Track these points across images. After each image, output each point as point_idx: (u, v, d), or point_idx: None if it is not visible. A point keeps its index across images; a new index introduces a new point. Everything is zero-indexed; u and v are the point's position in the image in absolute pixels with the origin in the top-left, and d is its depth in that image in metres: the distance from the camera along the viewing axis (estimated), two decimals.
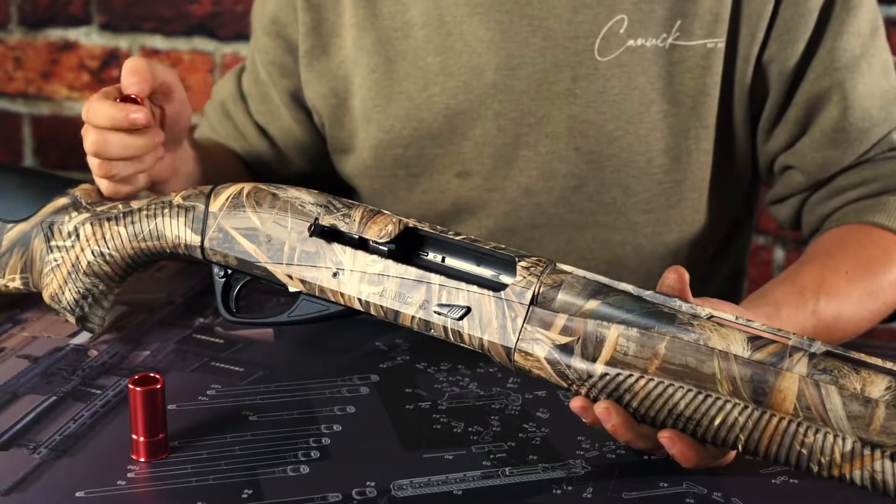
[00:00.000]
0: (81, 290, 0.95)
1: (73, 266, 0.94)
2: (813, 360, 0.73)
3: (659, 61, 1.05)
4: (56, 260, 0.95)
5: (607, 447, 0.84)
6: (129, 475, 0.80)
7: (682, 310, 0.77)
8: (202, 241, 0.90)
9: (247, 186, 0.91)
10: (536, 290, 0.80)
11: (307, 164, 1.22)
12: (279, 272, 0.88)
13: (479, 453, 0.84)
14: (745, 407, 0.74)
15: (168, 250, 0.92)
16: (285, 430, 0.86)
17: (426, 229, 0.86)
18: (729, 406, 0.75)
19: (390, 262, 0.84)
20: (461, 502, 0.78)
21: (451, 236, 0.86)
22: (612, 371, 0.77)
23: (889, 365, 0.73)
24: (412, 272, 0.84)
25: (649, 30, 1.04)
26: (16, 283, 0.97)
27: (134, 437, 0.81)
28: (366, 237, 0.86)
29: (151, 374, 0.82)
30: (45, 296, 0.96)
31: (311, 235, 0.87)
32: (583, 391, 0.79)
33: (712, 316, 0.76)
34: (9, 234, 0.97)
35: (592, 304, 0.78)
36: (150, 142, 0.95)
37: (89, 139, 0.94)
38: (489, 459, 0.83)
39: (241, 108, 1.22)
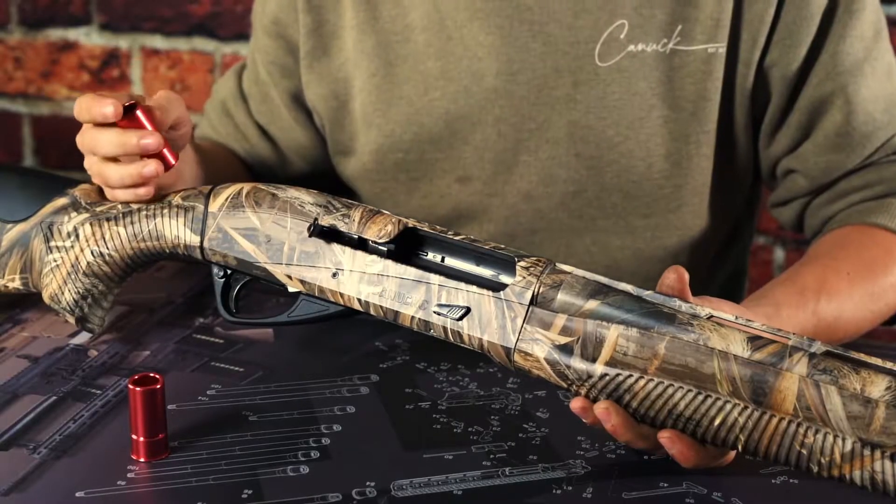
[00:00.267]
0: (81, 291, 0.95)
1: (72, 266, 0.94)
2: (813, 361, 0.73)
3: (659, 66, 1.05)
4: (55, 260, 0.95)
5: (607, 447, 0.84)
6: (129, 475, 0.80)
7: (681, 310, 0.77)
8: (202, 242, 0.90)
9: (246, 186, 0.91)
10: (536, 290, 0.80)
11: (307, 165, 1.21)
12: (279, 272, 0.88)
13: (479, 453, 0.83)
14: (745, 407, 0.74)
15: (167, 250, 0.92)
16: (285, 430, 0.86)
17: (425, 229, 0.86)
18: (729, 406, 0.75)
19: (390, 263, 0.84)
20: (461, 502, 0.78)
21: (451, 236, 0.86)
22: (612, 371, 0.77)
23: (889, 365, 0.73)
24: (412, 272, 0.84)
25: (650, 35, 1.04)
26: (15, 284, 0.97)
27: (134, 437, 0.81)
28: (365, 237, 0.86)
29: (151, 374, 0.82)
30: (45, 296, 0.96)
31: (310, 235, 0.87)
32: (583, 391, 0.79)
33: (712, 316, 0.76)
34: (8, 234, 0.97)
35: (592, 305, 0.78)
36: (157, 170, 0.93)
37: (91, 165, 0.94)
38: (489, 459, 0.83)
39: (241, 107, 1.22)
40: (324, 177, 1.21)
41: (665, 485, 0.80)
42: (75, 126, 0.95)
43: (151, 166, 0.91)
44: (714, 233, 1.14)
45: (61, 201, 0.96)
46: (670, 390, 0.76)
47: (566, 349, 0.78)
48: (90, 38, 1.85)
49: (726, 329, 0.75)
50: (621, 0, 1.04)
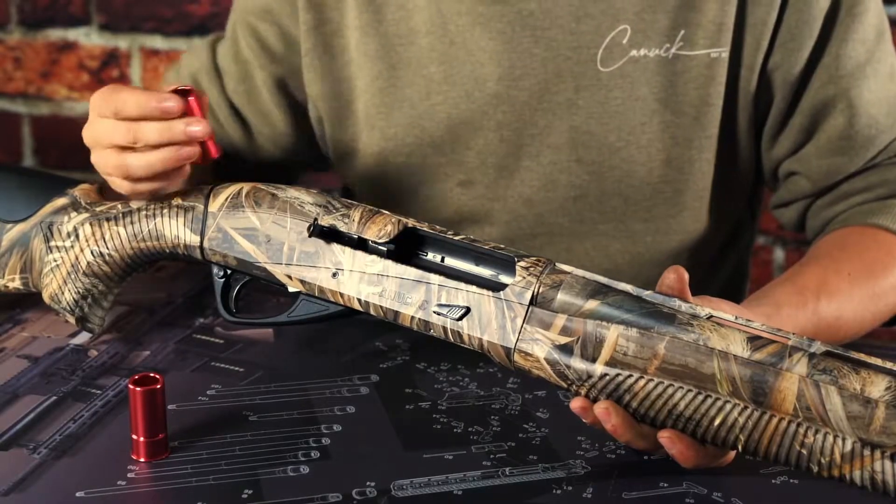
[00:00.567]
0: (81, 291, 0.95)
1: (72, 266, 0.94)
2: (813, 361, 0.73)
3: (662, 71, 1.04)
4: (55, 260, 0.95)
5: (607, 447, 0.84)
6: (129, 475, 0.80)
7: (681, 310, 0.77)
8: (201, 242, 0.90)
9: (246, 186, 0.91)
10: (536, 290, 0.80)
11: (278, 152, 1.18)
12: (278, 272, 0.88)
13: (479, 453, 0.83)
14: (745, 407, 0.74)
15: (167, 250, 0.92)
16: (285, 430, 0.86)
17: (425, 229, 0.86)
18: (729, 406, 0.74)
19: (389, 263, 0.84)
20: (461, 502, 0.78)
21: (451, 236, 0.86)
22: (612, 371, 0.77)
23: (889, 365, 0.73)
24: (411, 272, 0.84)
25: (652, 40, 1.04)
26: (15, 284, 0.97)
27: (134, 437, 0.81)
28: (365, 237, 0.86)
29: (151, 374, 0.82)
30: (45, 296, 0.96)
31: (310, 235, 0.87)
32: (582, 391, 0.79)
33: (712, 316, 0.76)
34: (8, 234, 0.97)
35: (592, 305, 0.78)
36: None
37: (107, 157, 0.91)
38: (489, 459, 0.83)
39: (215, 83, 1.16)
40: (287, 171, 1.19)
41: (665, 485, 0.80)
42: (75, 126, 0.95)
43: (189, 149, 0.88)
44: (714, 235, 1.14)
45: (61, 201, 0.96)
46: (670, 390, 0.76)
47: (566, 349, 0.78)
48: (90, 39, 1.85)
49: (726, 329, 0.75)
50: (623, 5, 1.03)
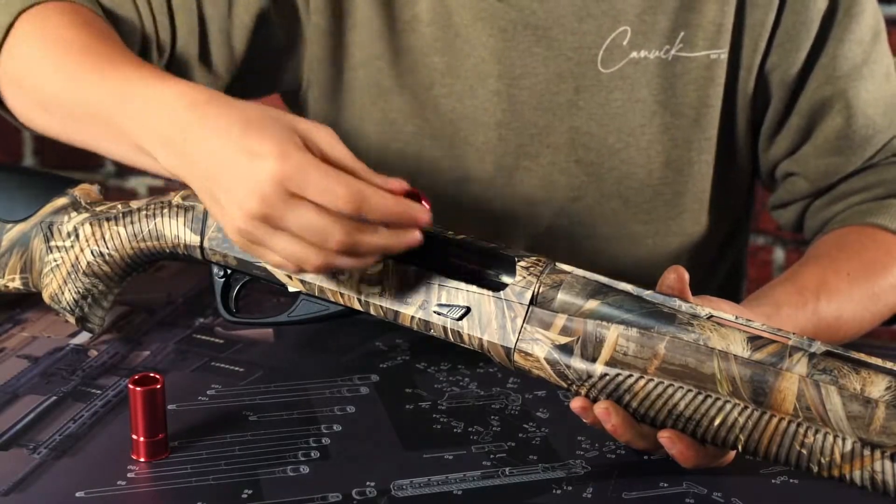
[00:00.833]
0: (81, 291, 0.95)
1: (72, 266, 0.94)
2: (813, 360, 0.73)
3: (661, 73, 1.05)
4: (55, 260, 0.95)
5: (607, 447, 0.84)
6: (129, 475, 0.80)
7: (681, 310, 0.77)
8: (201, 241, 0.90)
9: None
10: (536, 290, 0.80)
11: (214, 81, 1.07)
12: (278, 272, 0.88)
13: (479, 453, 0.83)
14: (745, 407, 0.74)
15: (167, 250, 0.92)
16: (285, 430, 0.86)
17: (426, 228, 0.86)
18: (729, 406, 0.75)
19: (390, 262, 0.84)
20: (461, 502, 0.78)
21: (451, 235, 0.86)
22: (612, 371, 0.77)
23: (889, 365, 0.73)
24: (411, 272, 0.84)
25: (652, 41, 1.04)
26: (15, 284, 0.97)
27: (134, 437, 0.81)
28: None
29: (151, 374, 0.82)
30: (45, 296, 0.96)
31: None
32: (583, 391, 0.79)
33: (712, 316, 0.76)
34: (8, 234, 0.97)
35: (592, 304, 0.78)
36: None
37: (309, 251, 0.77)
38: (489, 459, 0.83)
39: None
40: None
41: (665, 485, 0.80)
42: None
43: (417, 235, 0.79)
44: (713, 236, 1.14)
45: (61, 201, 0.96)
46: (670, 390, 0.76)
47: (566, 349, 0.78)
48: None
49: (726, 329, 0.75)
50: (624, 6, 1.03)
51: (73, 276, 0.94)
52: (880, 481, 0.72)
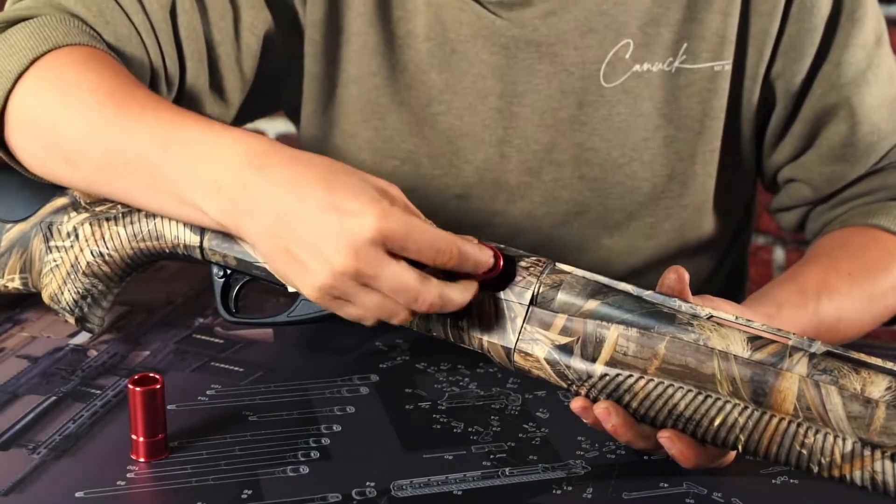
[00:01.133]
0: (80, 291, 0.94)
1: (72, 266, 0.94)
2: (813, 361, 0.73)
3: (665, 85, 1.03)
4: (55, 260, 0.95)
5: (607, 447, 0.84)
6: (128, 475, 0.80)
7: (681, 310, 0.77)
8: (201, 241, 0.90)
9: None
10: (536, 290, 0.80)
11: (224, 110, 1.06)
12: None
13: (479, 453, 0.83)
14: (745, 407, 0.74)
15: (167, 250, 0.92)
16: (285, 431, 0.86)
17: None
18: (729, 406, 0.74)
19: None
20: (461, 502, 0.78)
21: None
22: (612, 371, 0.77)
23: (889, 365, 0.72)
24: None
25: (655, 54, 1.02)
26: (15, 284, 0.97)
27: (134, 437, 0.81)
28: None
29: (151, 374, 0.82)
30: (45, 296, 0.96)
31: None
32: (583, 391, 0.79)
33: (712, 316, 0.76)
34: (8, 234, 0.97)
35: (592, 305, 0.78)
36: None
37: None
38: (489, 459, 0.83)
39: (195, 15, 1.00)
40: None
41: (665, 485, 0.80)
42: None
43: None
44: (716, 242, 1.13)
45: (61, 201, 0.96)
46: (670, 390, 0.76)
47: (566, 349, 0.78)
48: None
49: (726, 329, 0.75)
50: (627, 19, 1.02)
51: (72, 277, 0.94)
52: (880, 481, 0.72)
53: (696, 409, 0.75)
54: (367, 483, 0.79)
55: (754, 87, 1.05)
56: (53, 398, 0.90)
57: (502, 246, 0.83)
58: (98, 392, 0.91)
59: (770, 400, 0.73)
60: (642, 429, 0.78)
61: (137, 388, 0.80)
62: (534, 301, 0.80)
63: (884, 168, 1.07)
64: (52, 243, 0.95)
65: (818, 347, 0.74)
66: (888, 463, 0.71)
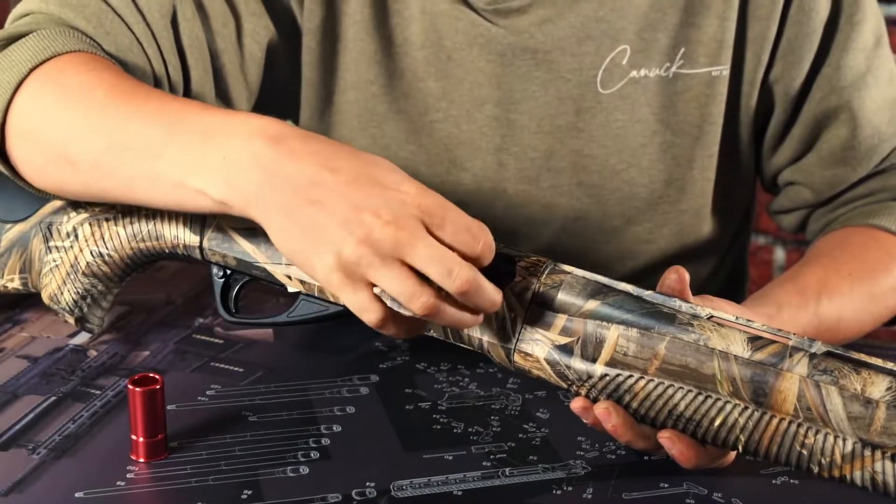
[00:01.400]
0: (80, 291, 0.94)
1: (71, 266, 0.94)
2: (813, 361, 0.73)
3: (662, 91, 1.03)
4: (55, 260, 0.94)
5: (607, 448, 0.84)
6: (128, 476, 0.80)
7: (682, 310, 0.77)
8: (201, 241, 0.90)
9: None
10: (536, 290, 0.80)
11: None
12: (278, 272, 0.88)
13: (479, 454, 0.83)
14: (746, 407, 0.74)
15: (167, 250, 0.92)
16: (285, 431, 0.86)
17: None
18: (729, 407, 0.74)
19: None
20: (461, 503, 0.78)
21: None
22: (612, 372, 0.77)
23: (890, 365, 0.72)
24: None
25: (652, 59, 1.02)
26: (15, 284, 0.97)
27: (133, 437, 0.81)
28: None
29: (151, 375, 0.81)
30: (44, 296, 0.96)
31: None
32: (583, 392, 0.79)
33: (712, 316, 0.76)
34: (7, 234, 0.97)
35: (592, 305, 0.78)
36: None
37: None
38: (489, 460, 0.83)
39: (197, 23, 1.00)
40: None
41: (665, 485, 0.80)
42: None
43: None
44: (715, 244, 1.13)
45: (60, 201, 0.96)
46: (670, 391, 0.76)
47: (566, 349, 0.78)
48: None
49: (727, 329, 0.75)
50: (624, 25, 1.01)
51: (72, 277, 0.94)
52: (881, 482, 0.72)
53: (697, 410, 0.75)
54: (367, 483, 0.79)
55: (752, 92, 1.04)
56: (53, 398, 0.90)
57: (502, 245, 0.83)
58: (98, 392, 0.91)
59: (770, 400, 0.73)
60: (642, 429, 0.78)
61: (137, 389, 0.80)
62: (534, 301, 0.80)
63: (885, 170, 1.06)
64: (51, 243, 0.95)
65: (818, 348, 0.74)
66: (888, 463, 0.71)
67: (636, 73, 1.02)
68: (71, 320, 0.96)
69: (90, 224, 0.94)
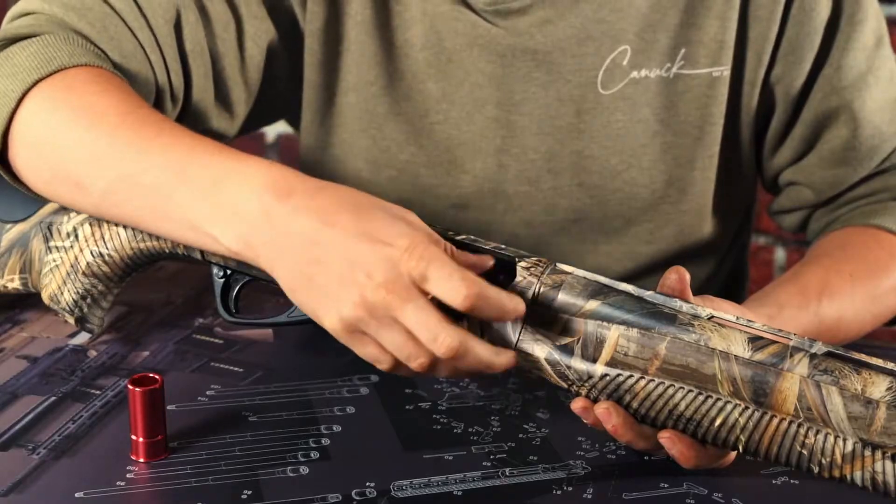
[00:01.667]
0: (80, 291, 0.94)
1: (71, 266, 0.94)
2: (814, 361, 0.73)
3: (663, 92, 1.03)
4: (55, 260, 0.94)
5: (607, 448, 0.84)
6: (128, 476, 0.80)
7: (682, 310, 0.77)
8: None
9: None
10: (536, 290, 0.80)
11: (234, 124, 1.06)
12: None
13: (479, 454, 0.83)
14: (746, 408, 0.74)
15: (167, 250, 0.92)
16: (285, 431, 0.86)
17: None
18: (729, 407, 0.74)
19: None
20: (461, 503, 0.78)
21: (451, 235, 0.85)
22: (613, 372, 0.77)
23: (890, 366, 0.72)
24: None
25: (653, 60, 1.02)
26: (15, 284, 0.97)
27: (133, 437, 0.81)
28: None
29: (151, 375, 0.81)
30: (44, 296, 0.96)
31: None
32: (583, 392, 0.79)
33: (713, 316, 0.76)
34: (8, 234, 0.97)
35: (593, 305, 0.78)
36: None
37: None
38: (489, 460, 0.83)
39: (199, 28, 1.00)
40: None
41: (665, 485, 0.80)
42: None
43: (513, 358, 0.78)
44: (716, 245, 1.13)
45: None
46: (671, 391, 0.76)
47: (566, 349, 0.78)
48: None
49: (727, 329, 0.75)
50: (624, 25, 1.01)
51: (72, 277, 0.94)
52: (881, 482, 0.72)
53: (697, 410, 0.75)
54: (367, 483, 0.79)
55: (753, 92, 1.04)
56: (53, 398, 0.90)
57: (503, 246, 0.83)
58: (98, 392, 0.91)
59: (771, 400, 0.73)
60: (643, 429, 0.78)
61: (137, 389, 0.80)
62: (534, 301, 0.80)
63: (886, 170, 1.06)
64: (51, 243, 0.95)
65: (819, 348, 0.74)
66: (889, 463, 0.71)
67: (637, 74, 1.02)
68: (71, 320, 0.96)
69: (90, 224, 0.94)
